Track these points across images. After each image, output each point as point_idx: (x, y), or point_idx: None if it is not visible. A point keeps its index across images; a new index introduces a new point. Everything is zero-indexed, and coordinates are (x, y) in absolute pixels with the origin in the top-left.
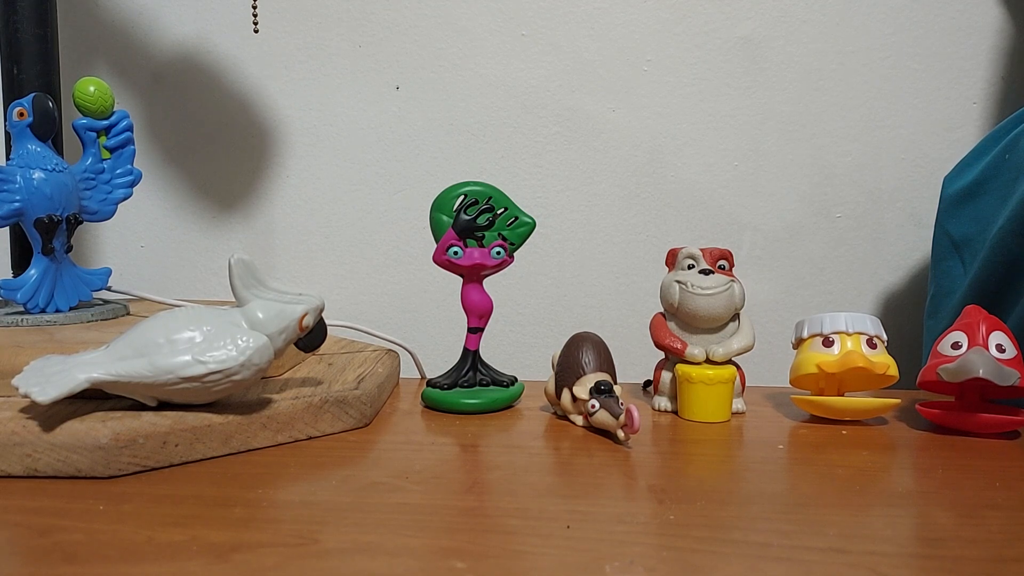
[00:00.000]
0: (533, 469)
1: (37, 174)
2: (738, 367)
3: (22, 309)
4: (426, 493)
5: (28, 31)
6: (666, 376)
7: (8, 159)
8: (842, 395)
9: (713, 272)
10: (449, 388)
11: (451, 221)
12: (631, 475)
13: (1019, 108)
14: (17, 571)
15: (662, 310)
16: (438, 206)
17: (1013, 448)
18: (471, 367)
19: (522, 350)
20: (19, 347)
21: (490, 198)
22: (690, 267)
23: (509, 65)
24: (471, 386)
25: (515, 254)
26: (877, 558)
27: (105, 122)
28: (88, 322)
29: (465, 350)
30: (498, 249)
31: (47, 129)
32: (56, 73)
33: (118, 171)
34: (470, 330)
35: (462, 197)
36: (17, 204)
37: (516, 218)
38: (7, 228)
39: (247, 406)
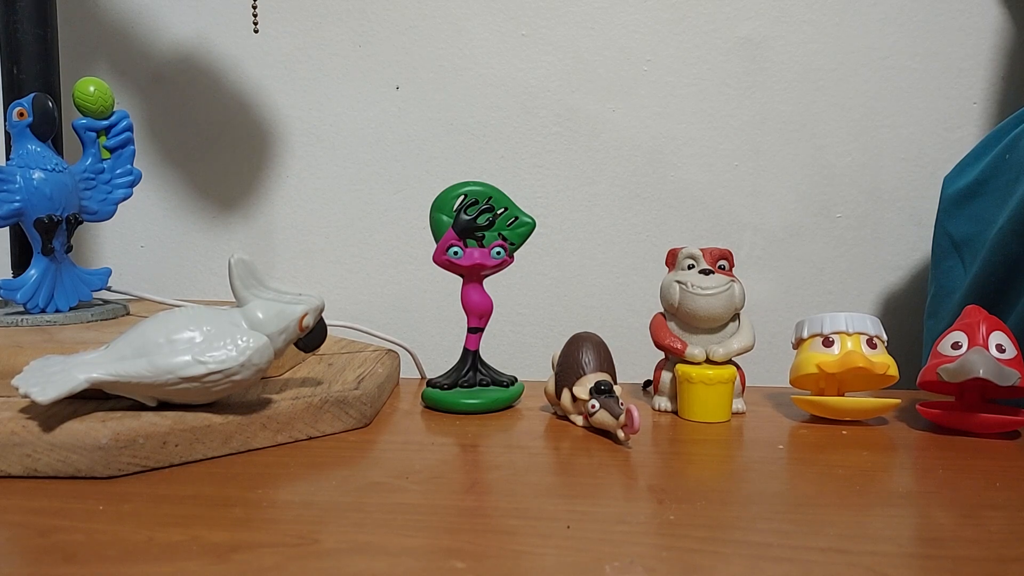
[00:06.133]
0: (533, 469)
1: (37, 174)
2: (738, 367)
3: (22, 309)
4: (426, 493)
5: (28, 31)
6: (666, 376)
7: (8, 159)
8: (842, 395)
9: (713, 272)
10: (449, 388)
11: (451, 221)
12: (631, 475)
13: (1019, 108)
14: (17, 571)
15: (662, 310)
16: (438, 206)
17: (1013, 448)
18: (471, 367)
19: (522, 350)
20: (19, 347)
21: (490, 198)
22: (690, 267)
23: (509, 65)
24: (471, 386)
25: (515, 254)
26: (877, 558)
27: (105, 122)
28: (88, 322)
29: (465, 350)
30: (498, 249)
31: (47, 129)
32: (56, 73)
33: (118, 171)
34: (470, 330)
35: (462, 197)
36: (17, 204)
37: (516, 218)
38: (7, 228)
39: (247, 406)
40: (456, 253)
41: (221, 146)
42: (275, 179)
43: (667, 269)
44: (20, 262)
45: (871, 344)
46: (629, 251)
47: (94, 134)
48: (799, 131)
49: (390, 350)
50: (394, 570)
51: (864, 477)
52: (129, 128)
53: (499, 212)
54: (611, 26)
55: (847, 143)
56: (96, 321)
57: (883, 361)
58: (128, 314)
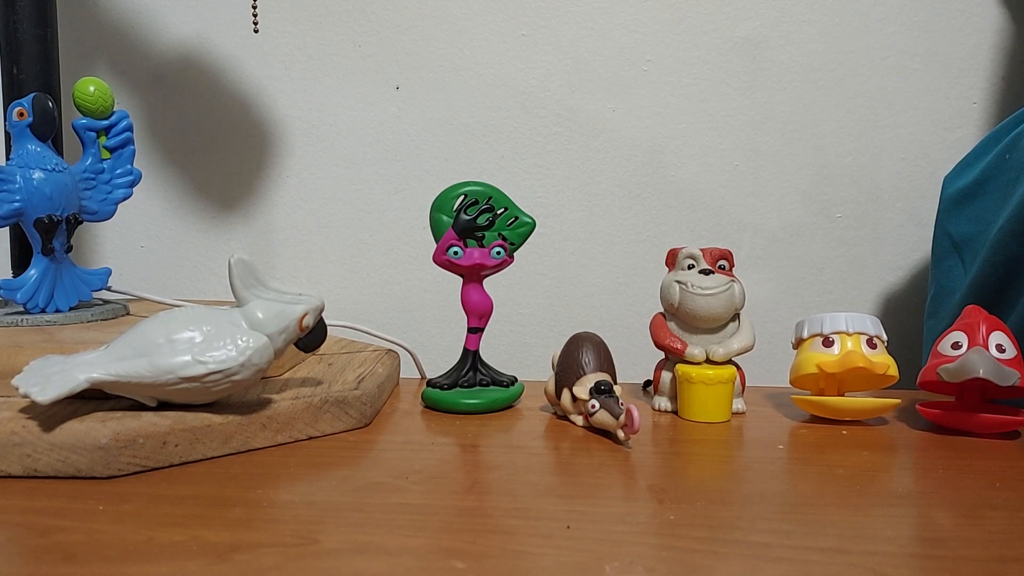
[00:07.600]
0: (533, 469)
1: (37, 174)
2: (738, 367)
3: (22, 309)
4: (426, 493)
5: (28, 31)
6: (666, 376)
7: (8, 159)
8: (842, 395)
9: (713, 272)
10: (449, 388)
11: (451, 221)
12: (631, 475)
13: (1019, 108)
14: (17, 571)
15: (662, 310)
16: (438, 206)
17: (1013, 448)
18: (471, 367)
19: (522, 350)
20: (19, 347)
21: (490, 198)
22: (690, 267)
23: (509, 65)
24: (471, 386)
25: (515, 254)
26: (877, 558)
27: (105, 122)
28: (88, 322)
29: (465, 350)
30: (498, 249)
31: (47, 129)
32: (56, 73)
33: (118, 171)
34: (470, 330)
35: (462, 197)
36: (17, 204)
37: (516, 218)
38: (7, 228)
39: (247, 406)
40: (456, 253)
41: (221, 146)
42: (275, 179)
43: (667, 269)
44: (20, 262)
45: (871, 344)
46: (629, 251)
47: (94, 134)
48: (799, 131)
49: (390, 350)
50: (394, 570)
51: (864, 477)
52: (129, 128)
53: (499, 212)
54: (611, 26)
55: (847, 143)
56: (96, 321)
57: (883, 361)
58: (128, 314)
